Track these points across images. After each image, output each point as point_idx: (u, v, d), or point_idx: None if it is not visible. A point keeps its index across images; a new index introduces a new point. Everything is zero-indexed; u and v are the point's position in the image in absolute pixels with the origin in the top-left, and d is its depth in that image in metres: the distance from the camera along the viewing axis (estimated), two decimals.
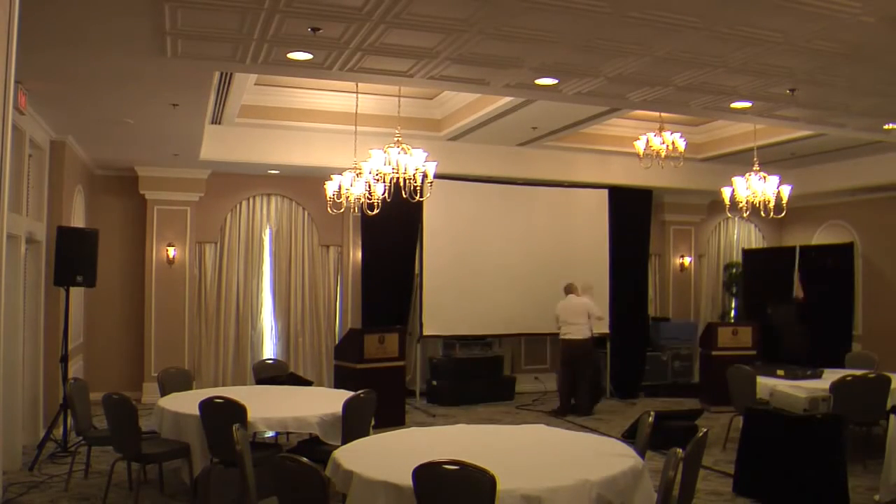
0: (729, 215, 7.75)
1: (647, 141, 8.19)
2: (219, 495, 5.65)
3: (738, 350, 9.98)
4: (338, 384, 8.77)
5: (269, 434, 6.67)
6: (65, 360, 7.23)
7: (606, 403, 10.47)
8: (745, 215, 7.63)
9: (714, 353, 10.10)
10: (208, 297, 10.62)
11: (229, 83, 7.46)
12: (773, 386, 6.69)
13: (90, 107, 6.91)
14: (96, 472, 6.31)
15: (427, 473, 3.29)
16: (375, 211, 7.07)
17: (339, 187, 7.50)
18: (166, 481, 5.99)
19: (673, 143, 8.13)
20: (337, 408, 5.43)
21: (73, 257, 7.21)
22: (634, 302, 11.47)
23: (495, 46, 5.32)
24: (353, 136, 8.10)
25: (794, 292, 11.72)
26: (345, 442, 4.93)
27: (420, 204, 8.04)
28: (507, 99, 7.87)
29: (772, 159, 10.11)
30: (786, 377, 7.40)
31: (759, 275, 12.31)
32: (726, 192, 7.70)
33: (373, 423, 5.66)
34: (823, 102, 6.78)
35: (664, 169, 8.65)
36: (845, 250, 11.54)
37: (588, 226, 11.28)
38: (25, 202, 7.06)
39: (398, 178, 6.50)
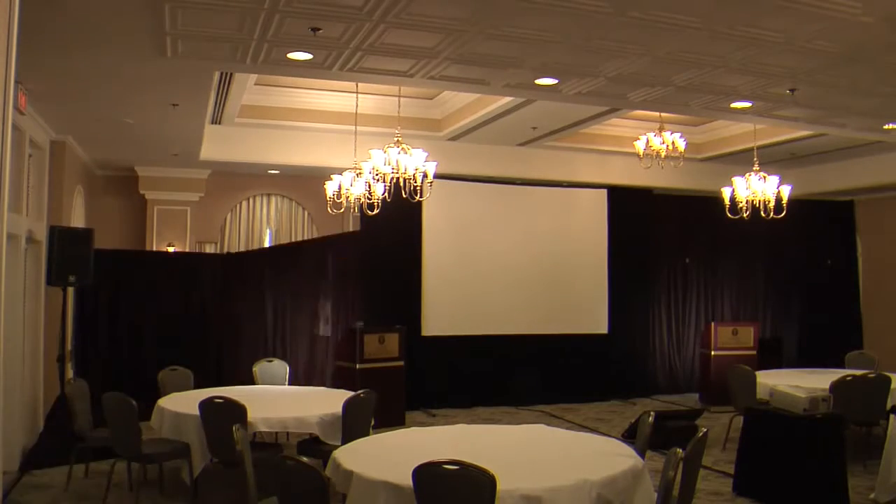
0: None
1: (647, 141, 8.20)
2: (219, 495, 5.66)
3: (738, 350, 9.98)
4: (338, 384, 8.76)
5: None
6: (62, 359, 7.22)
7: (607, 403, 10.45)
8: (745, 216, 7.63)
9: (714, 353, 10.09)
10: None
11: (229, 83, 7.46)
12: (772, 386, 6.69)
13: (90, 107, 6.91)
14: (96, 472, 6.31)
15: (427, 473, 3.28)
16: (375, 211, 7.07)
17: (339, 187, 7.50)
18: (166, 481, 5.98)
19: (673, 143, 8.14)
20: (337, 408, 5.43)
21: (66, 257, 7.18)
22: (634, 301, 11.46)
23: (495, 46, 5.32)
24: (353, 136, 8.10)
25: None
26: (345, 442, 4.93)
27: (420, 204, 8.04)
28: (507, 99, 7.88)
29: (772, 159, 10.12)
30: None
31: None
32: (726, 192, 7.71)
33: (373, 423, 5.66)
34: (823, 102, 6.78)
35: (664, 169, 8.67)
36: None
37: (587, 226, 11.27)
38: (25, 202, 7.06)
39: (398, 178, 6.49)
